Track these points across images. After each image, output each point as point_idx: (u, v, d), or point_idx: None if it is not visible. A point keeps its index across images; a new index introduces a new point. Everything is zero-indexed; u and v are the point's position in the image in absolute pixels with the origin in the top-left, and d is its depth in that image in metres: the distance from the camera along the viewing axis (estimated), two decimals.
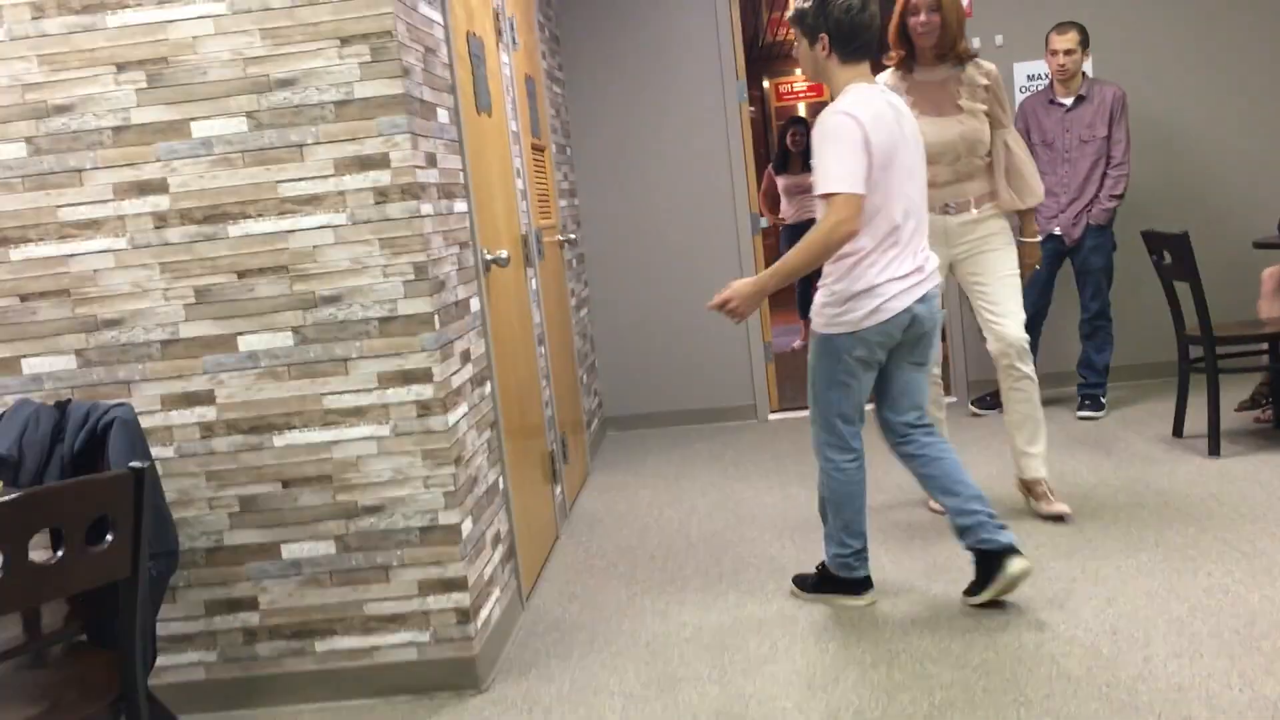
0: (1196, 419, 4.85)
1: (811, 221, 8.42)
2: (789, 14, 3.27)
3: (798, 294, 8.78)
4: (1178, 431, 4.91)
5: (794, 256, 3.06)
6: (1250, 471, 4.32)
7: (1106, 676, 2.78)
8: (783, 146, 8.49)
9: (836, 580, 3.42)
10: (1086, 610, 3.19)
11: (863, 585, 3.41)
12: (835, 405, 3.27)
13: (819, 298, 3.24)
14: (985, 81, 3.90)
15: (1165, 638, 2.96)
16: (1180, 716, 2.55)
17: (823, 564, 3.48)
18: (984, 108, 3.89)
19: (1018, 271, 3.96)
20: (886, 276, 3.13)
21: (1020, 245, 4.07)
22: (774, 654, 3.12)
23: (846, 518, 3.35)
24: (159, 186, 2.94)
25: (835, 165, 3.02)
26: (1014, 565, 3.18)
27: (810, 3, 3.14)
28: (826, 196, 3.04)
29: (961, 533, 3.25)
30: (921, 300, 3.18)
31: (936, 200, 3.91)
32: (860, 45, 3.14)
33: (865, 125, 3.04)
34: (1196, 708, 2.58)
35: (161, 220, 2.95)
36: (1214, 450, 4.58)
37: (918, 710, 2.71)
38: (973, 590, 3.29)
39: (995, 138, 3.95)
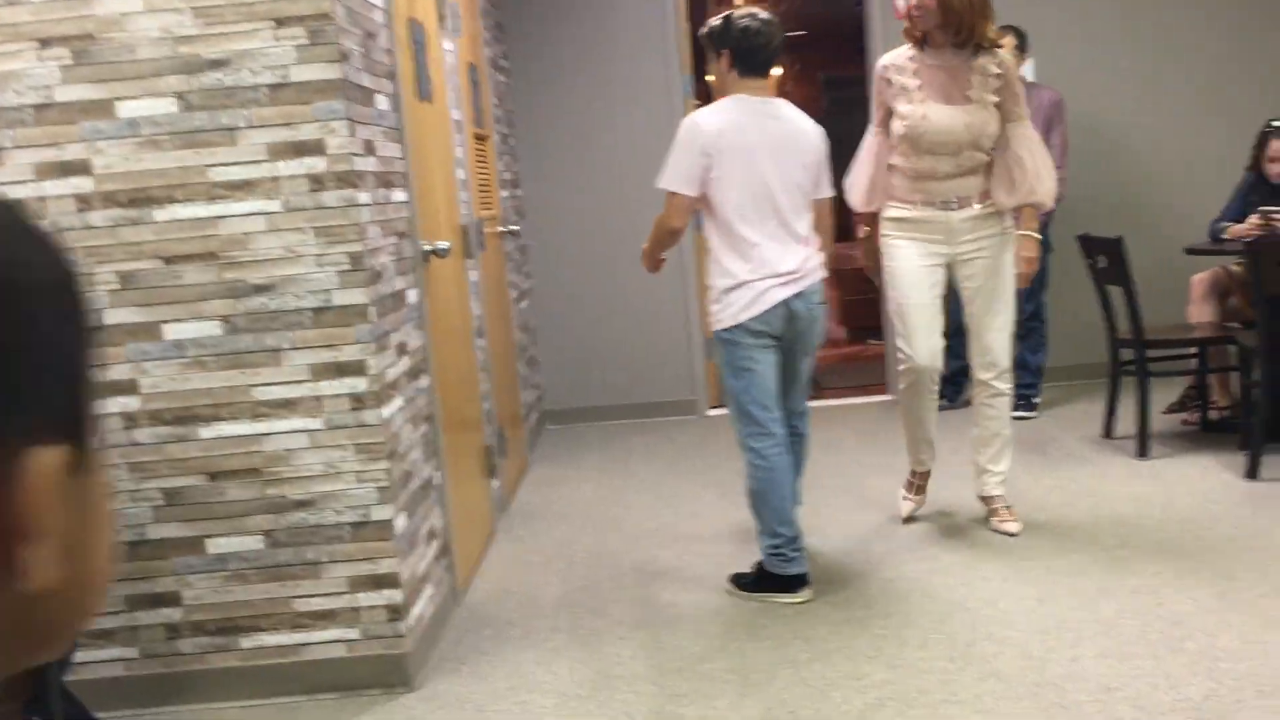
0: (1126, 420, 4.93)
1: None
2: (701, 32, 3.54)
3: None
4: (1108, 433, 4.99)
5: (649, 239, 3.54)
6: (1177, 473, 4.39)
7: (1036, 676, 2.80)
8: None
9: (773, 578, 3.45)
10: (1018, 610, 3.21)
11: (799, 582, 3.43)
12: (746, 392, 3.39)
13: (708, 299, 3.49)
14: (997, 70, 3.64)
15: (1094, 638, 2.99)
16: (1108, 716, 2.58)
17: (759, 563, 3.50)
18: (995, 99, 3.65)
19: (1013, 283, 3.77)
20: (758, 274, 3.32)
21: (1017, 239, 3.79)
22: (709, 652, 3.11)
23: (775, 505, 3.41)
24: (82, 168, 2.84)
25: (670, 166, 3.34)
26: (793, 597, 3.44)
27: (718, 22, 3.41)
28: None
29: (762, 544, 3.49)
30: (798, 297, 3.36)
31: (937, 195, 3.71)
32: (757, 62, 3.38)
33: (706, 132, 3.29)
34: (1123, 708, 2.61)
35: (84, 203, 2.86)
36: (1143, 452, 4.65)
37: (851, 708, 2.71)
38: (742, 582, 3.54)
39: (1003, 132, 3.71)
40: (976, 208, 3.73)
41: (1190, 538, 3.68)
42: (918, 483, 4.11)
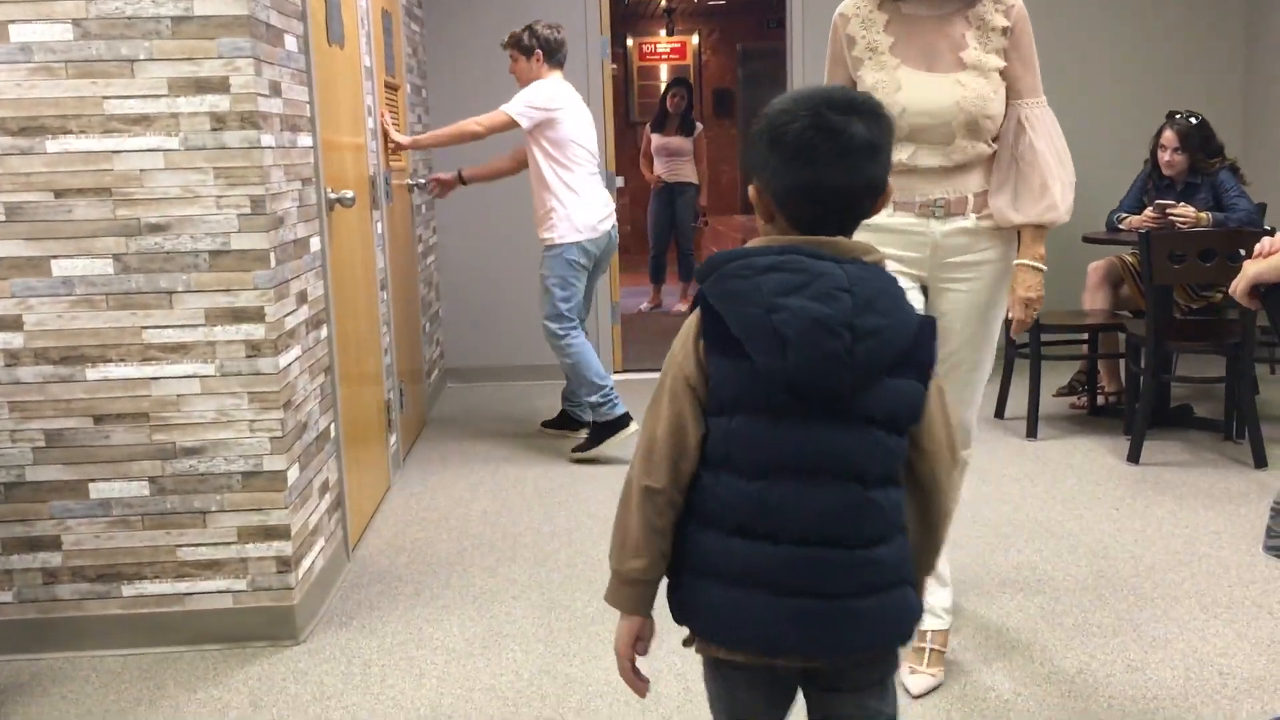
0: (1018, 402, 5.06)
1: (682, 183, 8.52)
2: (506, 40, 4.65)
3: (651, 259, 8.80)
4: (999, 413, 5.12)
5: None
6: (1063, 455, 4.53)
7: (915, 641, 2.87)
8: (662, 107, 8.50)
9: (606, 426, 4.56)
10: None
11: (626, 418, 4.57)
12: (568, 300, 4.60)
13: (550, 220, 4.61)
14: (1004, 22, 2.57)
15: (975, 610, 3.08)
16: (984, 687, 2.65)
17: (591, 423, 4.67)
18: (999, 63, 2.56)
19: (999, 328, 2.71)
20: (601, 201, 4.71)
21: (1015, 272, 2.64)
22: (601, 614, 3.12)
23: (592, 369, 4.57)
24: None
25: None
26: (628, 429, 4.57)
27: (523, 30, 4.61)
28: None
29: (594, 407, 4.61)
30: (614, 229, 4.76)
31: (916, 193, 2.58)
32: (560, 57, 4.66)
33: (555, 94, 4.57)
34: (1000, 678, 2.69)
35: None
36: (1032, 433, 4.78)
37: None
38: (584, 448, 4.65)
39: (1011, 113, 2.59)
40: (970, 219, 2.60)
41: (1072, 517, 3.80)
42: None
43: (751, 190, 1.54)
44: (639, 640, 1.58)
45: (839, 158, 1.46)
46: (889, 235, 2.56)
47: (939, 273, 2.65)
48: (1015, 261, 2.64)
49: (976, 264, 2.64)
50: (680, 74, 11.09)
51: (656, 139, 8.46)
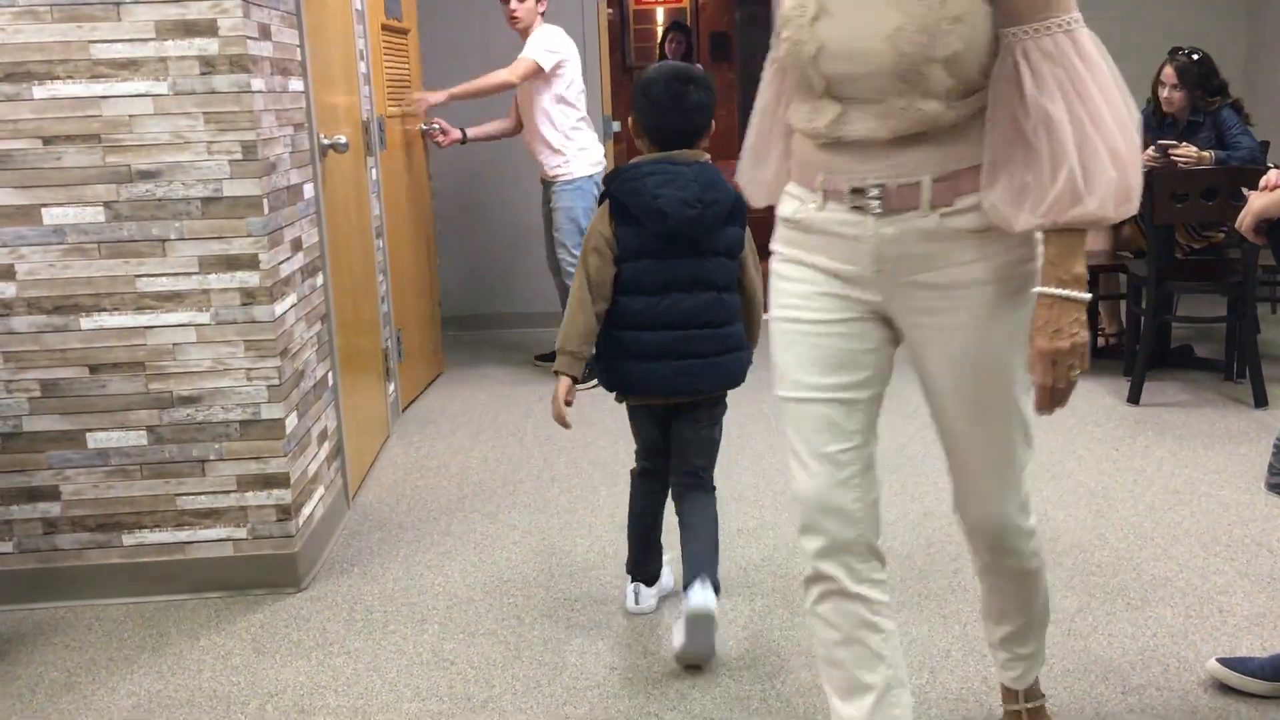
0: None
1: None
2: None
3: None
4: None
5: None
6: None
7: (919, 587, 2.88)
8: (661, 52, 8.42)
9: None
10: (903, 523, 3.29)
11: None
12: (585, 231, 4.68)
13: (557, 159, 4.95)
14: None
15: None
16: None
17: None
18: None
19: (1020, 390, 1.77)
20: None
21: (1041, 304, 1.65)
22: (602, 559, 3.12)
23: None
24: None
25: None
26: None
27: None
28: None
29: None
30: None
31: (845, 177, 1.73)
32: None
33: (564, 38, 4.86)
34: None
35: None
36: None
37: (739, 615, 2.76)
38: (544, 354, 4.67)
39: (1005, 50, 1.63)
40: (931, 217, 1.70)
41: (1071, 458, 3.80)
42: None
43: (630, 122, 2.58)
44: (569, 394, 2.57)
45: (678, 110, 2.52)
46: (816, 237, 1.78)
47: (899, 298, 1.76)
48: (1040, 289, 1.66)
49: (949, 288, 1.72)
50: (678, 18, 10.95)
51: None
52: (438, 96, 4.85)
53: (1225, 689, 2.34)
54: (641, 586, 2.79)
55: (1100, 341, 5.19)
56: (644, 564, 2.79)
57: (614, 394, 2.67)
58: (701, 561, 2.53)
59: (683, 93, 2.50)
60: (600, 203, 2.57)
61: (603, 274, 2.53)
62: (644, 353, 2.56)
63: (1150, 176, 4.23)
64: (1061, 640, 2.58)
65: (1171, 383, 4.63)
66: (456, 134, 5.15)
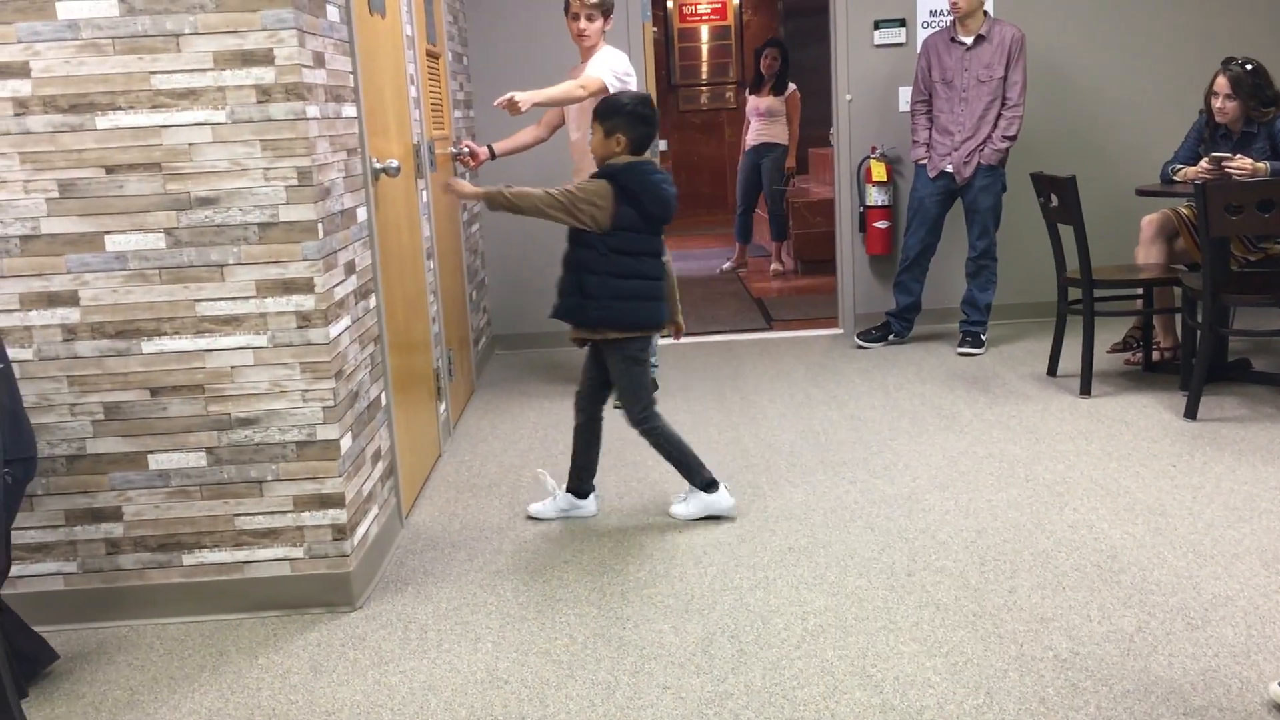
0: (1071, 359, 5.00)
1: (767, 144, 8.49)
2: (594, 1, 4.73)
3: (736, 218, 8.78)
4: (1052, 370, 5.05)
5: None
6: (1118, 412, 4.47)
7: (974, 606, 2.86)
8: (756, 69, 8.47)
9: None
10: (957, 542, 3.27)
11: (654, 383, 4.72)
12: None
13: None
14: None
15: (1030, 570, 3.05)
16: (1042, 646, 2.64)
17: None
18: None
19: None
20: None
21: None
22: (653, 578, 3.13)
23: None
24: (20, 70, 2.74)
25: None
26: None
27: None
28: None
29: None
30: None
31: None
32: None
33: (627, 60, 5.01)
34: (1057, 637, 2.67)
35: (22, 107, 2.76)
36: (1085, 390, 4.72)
37: (791, 634, 2.75)
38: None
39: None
40: None
41: (1128, 474, 3.75)
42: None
43: (607, 133, 3.40)
44: (461, 187, 3.54)
45: (654, 126, 3.45)
46: None
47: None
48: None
49: None
50: (721, 34, 10.98)
51: (752, 100, 8.51)
52: (523, 96, 4.47)
53: None
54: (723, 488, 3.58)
55: (1156, 356, 5.12)
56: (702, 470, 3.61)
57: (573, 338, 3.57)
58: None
59: (654, 113, 3.46)
60: (597, 177, 3.41)
61: (598, 220, 3.35)
62: (640, 297, 3.43)
63: (1204, 189, 4.17)
64: (1120, 660, 2.55)
65: (1229, 397, 4.56)
66: (484, 153, 5.05)
